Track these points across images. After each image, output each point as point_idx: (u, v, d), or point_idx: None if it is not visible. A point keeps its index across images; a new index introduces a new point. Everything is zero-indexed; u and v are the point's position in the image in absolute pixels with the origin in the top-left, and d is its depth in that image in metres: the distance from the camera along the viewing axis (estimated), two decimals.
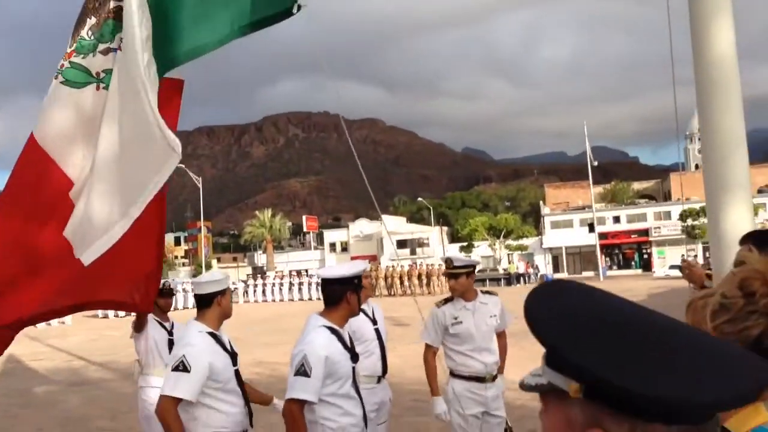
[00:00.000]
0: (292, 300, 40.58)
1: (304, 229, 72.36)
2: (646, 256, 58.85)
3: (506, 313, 4.65)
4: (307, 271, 49.36)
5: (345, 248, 68.42)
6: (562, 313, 0.74)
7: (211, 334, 3.48)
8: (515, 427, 4.88)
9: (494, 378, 4.44)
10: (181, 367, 3.26)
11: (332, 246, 70.33)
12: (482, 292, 4.61)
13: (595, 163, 50.81)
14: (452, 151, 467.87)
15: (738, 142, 3.30)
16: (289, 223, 71.76)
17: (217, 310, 3.52)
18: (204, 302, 3.54)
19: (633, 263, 59.42)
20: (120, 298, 3.81)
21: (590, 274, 55.04)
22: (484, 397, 4.38)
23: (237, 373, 3.51)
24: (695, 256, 48.25)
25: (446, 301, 4.56)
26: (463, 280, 4.45)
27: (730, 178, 3.28)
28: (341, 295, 3.23)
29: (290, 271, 48.73)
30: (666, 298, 26.17)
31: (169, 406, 3.24)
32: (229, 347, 3.55)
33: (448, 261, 4.51)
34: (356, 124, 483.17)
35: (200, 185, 55.53)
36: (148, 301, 3.86)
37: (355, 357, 3.28)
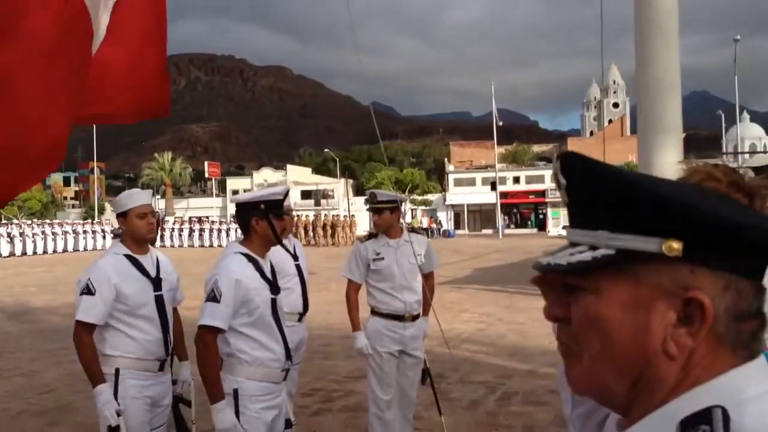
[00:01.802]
0: (192, 246, 39.50)
1: (206, 176, 70.13)
2: (541, 216, 61.45)
3: (433, 254, 4.60)
4: (207, 217, 48.14)
5: None
6: (628, 171, 0.69)
7: (129, 257, 3.34)
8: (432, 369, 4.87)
9: (414, 318, 4.38)
10: (86, 290, 3.20)
11: (234, 193, 68.63)
12: (409, 230, 4.50)
13: (500, 124, 52.02)
14: (359, 104, 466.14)
15: (674, 86, 3.28)
16: (190, 169, 69.18)
17: (126, 232, 3.39)
18: (119, 223, 3.42)
19: (529, 223, 61.93)
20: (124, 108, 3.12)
21: (489, 231, 56.93)
22: (402, 335, 4.32)
23: (158, 300, 3.35)
24: None
25: (370, 236, 4.44)
26: (386, 215, 4.34)
27: (664, 120, 3.27)
28: (248, 221, 3.09)
29: (190, 218, 47.31)
30: None
31: (79, 331, 3.19)
32: (153, 272, 3.38)
33: (372, 195, 4.40)
34: (263, 70, 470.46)
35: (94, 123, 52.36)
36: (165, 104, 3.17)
37: (275, 288, 3.11)
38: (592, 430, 0.94)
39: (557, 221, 57.68)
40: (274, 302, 3.09)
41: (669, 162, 3.14)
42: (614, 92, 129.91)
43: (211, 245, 41.19)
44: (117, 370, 3.20)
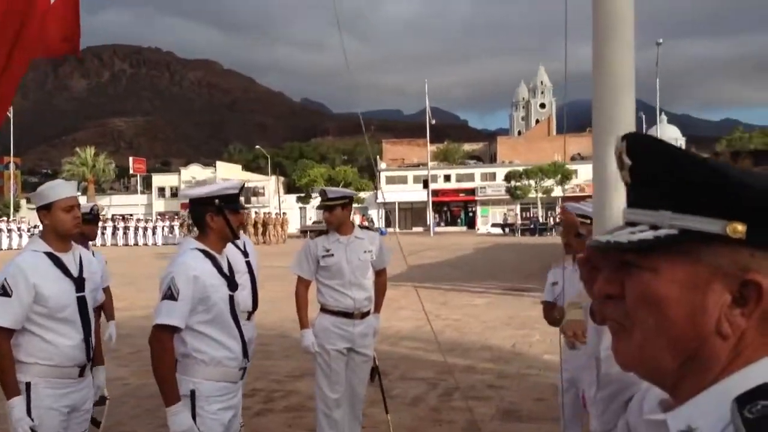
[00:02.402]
0: (116, 245, 38.14)
1: (131, 172, 67.88)
2: (471, 214, 62.58)
3: (385, 251, 4.57)
4: (132, 215, 46.64)
5: (175, 194, 65.32)
6: (695, 153, 0.70)
7: (49, 255, 3.07)
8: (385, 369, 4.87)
9: (363, 315, 4.36)
10: (1, 291, 2.93)
11: (161, 191, 66.78)
12: (361, 227, 4.49)
13: (433, 122, 52.64)
14: (291, 100, 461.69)
15: (629, 82, 3.38)
16: (114, 164, 66.72)
17: (46, 227, 3.13)
18: (41, 217, 3.16)
19: (459, 220, 62.96)
20: None
21: (420, 229, 57.52)
22: (351, 333, 4.29)
23: (80, 301, 3.12)
24: (515, 214, 52.20)
25: (320, 233, 4.39)
26: (338, 212, 4.32)
27: (618, 120, 3.35)
28: (202, 217, 2.99)
29: (113, 215, 45.71)
30: (488, 252, 28.11)
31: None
32: (76, 271, 3.14)
33: (322, 193, 4.37)
34: (190, 64, 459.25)
35: (11, 115, 49.80)
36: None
37: (233, 285, 3.02)
38: (614, 413, 0.96)
39: (486, 219, 58.92)
40: (231, 299, 3.00)
41: None
42: (542, 93, 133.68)
43: (136, 244, 39.95)
44: (28, 384, 2.98)
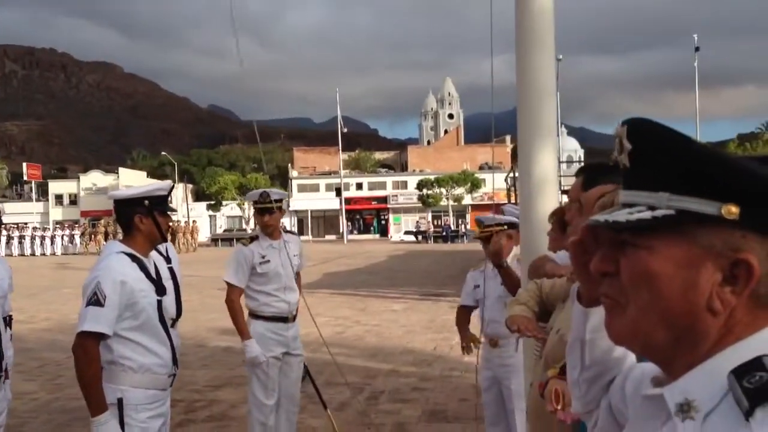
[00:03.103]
0: (11, 255, 35.79)
1: (25, 178, 63.87)
2: (383, 222, 63.09)
3: (303, 254, 4.59)
4: (26, 224, 43.98)
5: (74, 201, 62.12)
6: (692, 138, 0.73)
7: None
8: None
9: (294, 317, 4.35)
10: None
11: (58, 198, 63.30)
12: (284, 231, 4.44)
13: (345, 130, 52.74)
14: (197, 106, 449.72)
15: (550, 92, 3.53)
16: (6, 170, 62.61)
17: None
18: None
19: (372, 228, 63.32)
20: None
21: (333, 237, 57.43)
22: (286, 337, 4.26)
23: None
24: (427, 222, 53.05)
25: (251, 239, 4.28)
26: (277, 215, 4.28)
27: (541, 124, 3.50)
28: (130, 219, 2.89)
29: (6, 225, 42.92)
30: (403, 259, 28.42)
31: None
32: None
33: (264, 195, 4.26)
34: (88, 66, 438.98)
35: None
36: None
37: (161, 289, 2.92)
38: (596, 394, 1.00)
39: (398, 227, 59.54)
40: (160, 304, 2.89)
41: (547, 161, 3.36)
42: (449, 104, 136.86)
43: (33, 254, 37.67)
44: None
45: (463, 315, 4.30)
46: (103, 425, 2.65)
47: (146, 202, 2.90)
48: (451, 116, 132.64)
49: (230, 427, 5.43)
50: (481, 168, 63.08)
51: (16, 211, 57.43)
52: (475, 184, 53.96)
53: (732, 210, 0.68)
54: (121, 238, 3.01)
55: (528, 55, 3.41)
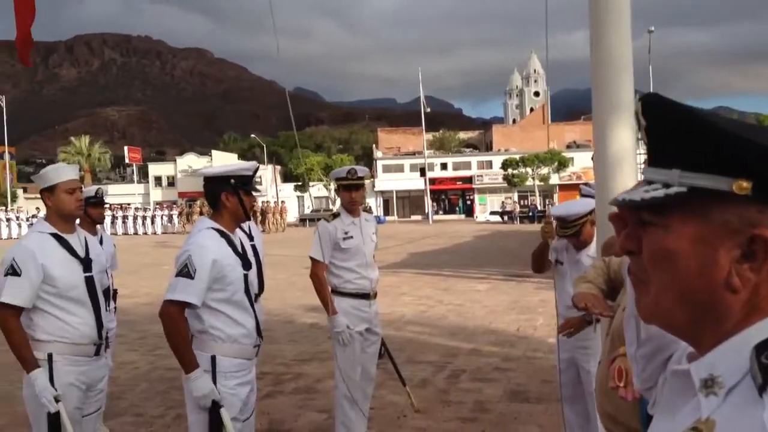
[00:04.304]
0: (116, 234, 38.06)
1: (126, 161, 67.53)
2: (469, 202, 62.59)
3: (378, 235, 4.65)
4: (129, 204, 46.52)
5: (172, 183, 65.14)
6: (705, 112, 0.72)
7: (55, 236, 3.17)
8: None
9: (376, 294, 4.43)
10: (11, 270, 3.02)
11: (158, 180, 66.57)
12: (363, 210, 4.53)
13: (428, 110, 52.54)
14: (283, 89, 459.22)
15: (627, 65, 3.42)
16: (110, 153, 66.41)
17: (50, 209, 3.22)
18: (43, 201, 3.24)
19: (457, 209, 62.98)
20: None
21: (418, 217, 57.56)
22: (369, 313, 4.35)
23: (89, 281, 3.20)
24: (513, 202, 52.25)
25: (333, 216, 4.40)
26: (362, 191, 4.39)
27: (618, 100, 3.39)
28: (217, 196, 3.04)
29: (111, 205, 45.57)
30: (488, 239, 28.18)
31: (4, 315, 3.01)
32: (82, 252, 3.22)
33: (352, 171, 4.36)
34: (182, 53, 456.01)
35: (3, 104, 49.48)
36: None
37: (247, 264, 3.08)
38: (654, 370, 1.00)
39: (484, 207, 58.91)
40: (246, 278, 3.06)
41: (624, 139, 3.28)
42: (535, 81, 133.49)
43: (135, 233, 39.86)
44: (50, 356, 3.06)
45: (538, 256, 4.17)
46: (196, 380, 2.83)
47: (232, 180, 3.04)
48: (537, 94, 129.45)
49: (315, 399, 5.63)
50: (568, 146, 61.33)
51: (119, 192, 61.02)
52: (562, 163, 52.48)
53: (743, 185, 0.67)
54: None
55: (602, 29, 3.32)
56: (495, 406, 5.30)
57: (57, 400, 2.98)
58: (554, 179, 54.16)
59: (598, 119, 3.41)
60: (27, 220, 39.74)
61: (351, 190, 4.32)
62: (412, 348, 7.45)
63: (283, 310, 9.88)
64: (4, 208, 42.52)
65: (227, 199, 3.02)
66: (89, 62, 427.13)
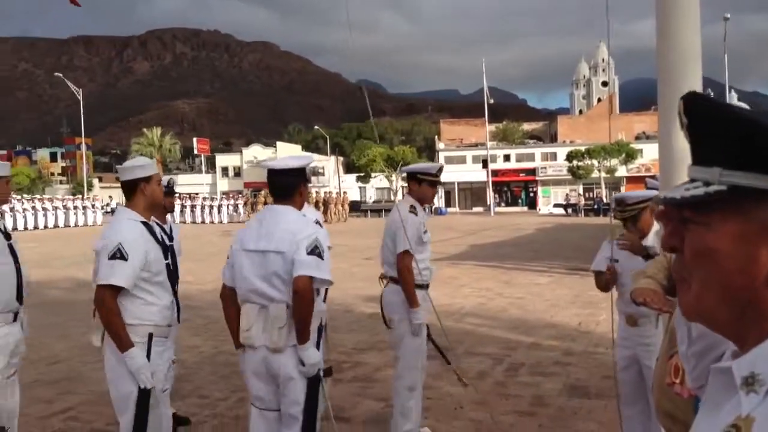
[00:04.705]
0: (184, 222, 39.33)
1: (195, 152, 69.54)
2: (532, 194, 61.62)
3: None
4: (197, 194, 47.89)
5: (238, 173, 66.75)
6: (746, 110, 0.72)
7: (143, 224, 3.38)
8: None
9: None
10: (118, 254, 3.19)
11: (224, 170, 68.32)
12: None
13: (491, 101, 51.90)
14: (347, 81, 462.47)
15: (695, 54, 3.30)
16: (180, 145, 68.52)
17: (142, 198, 3.39)
18: (128, 189, 3.40)
19: (520, 201, 62.12)
20: None
21: (480, 209, 57.07)
22: (429, 303, 4.43)
23: (167, 267, 3.42)
24: (578, 194, 51.13)
25: (412, 209, 4.40)
26: (435, 187, 4.51)
27: (685, 91, 3.27)
28: (297, 187, 3.20)
29: (180, 194, 47.06)
30: (552, 232, 27.71)
31: (106, 296, 3.18)
32: (161, 238, 3.45)
33: (440, 169, 4.54)
34: (249, 46, 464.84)
35: (80, 97, 51.70)
36: None
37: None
38: (704, 368, 0.98)
39: (547, 199, 57.91)
40: None
41: None
42: (603, 70, 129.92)
43: (203, 221, 41.04)
44: (150, 335, 3.25)
45: (599, 276, 4.03)
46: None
47: (306, 173, 3.28)
48: (605, 83, 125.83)
49: (374, 388, 5.68)
50: (637, 138, 59.47)
51: (188, 182, 62.96)
52: (630, 155, 50.93)
53: None
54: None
55: (669, 16, 3.21)
56: (554, 400, 5.23)
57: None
58: (622, 171, 52.67)
59: (664, 111, 3.31)
60: (102, 208, 41.59)
61: (434, 186, 4.46)
62: (471, 340, 7.42)
63: (344, 299, 9.99)
64: (80, 196, 44.54)
65: (303, 188, 3.22)
66: (161, 56, 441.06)
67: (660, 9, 3.35)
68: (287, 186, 3.20)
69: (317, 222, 4.50)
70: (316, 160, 64.72)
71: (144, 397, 3.17)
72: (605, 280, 3.92)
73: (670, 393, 1.92)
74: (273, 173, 3.21)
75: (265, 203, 39.35)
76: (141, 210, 3.38)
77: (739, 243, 0.70)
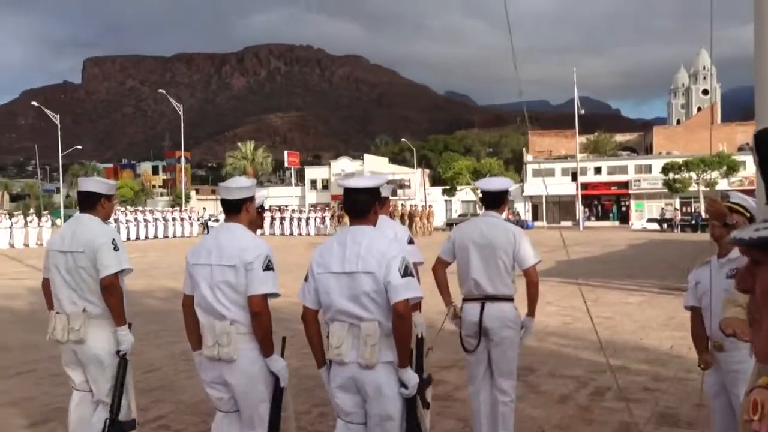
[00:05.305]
0: (273, 234, 40.51)
1: (285, 165, 71.64)
2: (624, 208, 59.44)
3: None
4: (287, 206, 49.24)
5: (326, 186, 68.12)
6: None
7: None
8: None
9: None
10: (270, 266, 3.40)
11: (313, 183, 69.91)
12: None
13: (582, 112, 50.62)
14: (435, 93, 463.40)
15: None
16: (271, 158, 70.77)
17: (246, 215, 3.59)
18: (233, 208, 3.58)
19: (611, 215, 60.07)
20: None
21: (569, 223, 55.59)
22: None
23: None
24: (674, 209, 48.89)
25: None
26: None
27: None
28: (373, 204, 3.27)
29: (270, 206, 48.53)
30: (644, 249, 26.62)
31: (267, 305, 3.40)
32: None
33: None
34: (339, 60, 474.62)
35: (181, 113, 54.41)
36: None
37: None
38: None
39: (641, 213, 55.67)
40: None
41: None
42: (704, 78, 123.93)
43: (291, 233, 42.10)
44: (284, 339, 3.55)
45: (696, 320, 3.80)
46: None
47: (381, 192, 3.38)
48: (705, 92, 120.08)
49: (453, 407, 5.67)
50: (740, 149, 56.25)
51: (278, 194, 64.91)
52: (732, 168, 48.19)
53: None
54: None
55: (766, 24, 3.07)
56: (642, 428, 5.05)
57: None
58: (723, 185, 49.97)
59: (760, 125, 3.17)
60: (198, 219, 43.43)
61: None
62: (555, 361, 7.26)
63: (426, 315, 9.96)
64: (179, 208, 46.75)
65: (379, 207, 3.35)
66: (257, 71, 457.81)
67: (758, 16, 3.22)
68: (362, 204, 3.26)
69: (410, 240, 4.55)
70: (403, 172, 65.15)
71: (279, 394, 3.47)
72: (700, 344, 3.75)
73: (747, 429, 1.84)
74: (348, 192, 3.29)
75: None
76: (245, 224, 3.60)
77: None
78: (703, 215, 43.10)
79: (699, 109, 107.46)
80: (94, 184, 4.13)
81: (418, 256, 4.28)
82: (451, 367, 7.05)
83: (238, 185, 3.61)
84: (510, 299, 4.36)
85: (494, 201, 4.48)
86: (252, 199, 3.61)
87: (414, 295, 3.09)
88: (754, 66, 3.31)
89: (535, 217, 59.66)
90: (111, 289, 3.87)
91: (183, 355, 7.42)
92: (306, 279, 3.31)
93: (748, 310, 0.76)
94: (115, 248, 3.92)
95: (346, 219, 40.09)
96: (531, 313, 4.41)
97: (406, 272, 3.08)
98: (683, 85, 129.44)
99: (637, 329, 9.12)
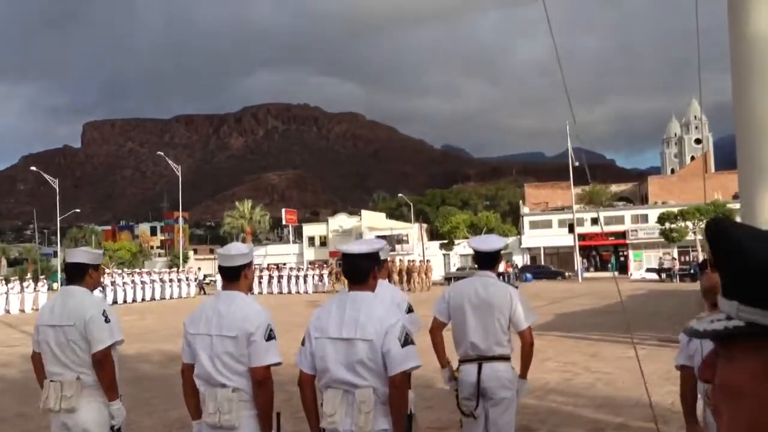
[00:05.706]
0: (271, 293, 40.26)
1: (283, 223, 71.82)
2: (622, 258, 59.40)
3: None
4: (285, 264, 49.07)
5: (324, 242, 68.12)
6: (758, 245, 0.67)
7: None
8: None
9: None
10: (273, 335, 3.40)
11: (311, 240, 69.93)
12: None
13: (576, 164, 51.13)
14: (431, 148, 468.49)
15: None
16: (269, 216, 71.01)
17: (245, 282, 3.60)
18: (232, 275, 3.57)
19: (609, 265, 59.96)
20: None
21: (567, 274, 55.38)
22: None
23: None
24: (672, 258, 48.85)
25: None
26: None
27: (763, 161, 3.18)
28: (371, 270, 3.27)
29: (268, 265, 48.40)
30: (644, 299, 26.45)
31: (270, 375, 3.39)
32: None
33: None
34: (336, 117, 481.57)
35: (179, 173, 54.88)
36: None
37: None
38: None
39: (639, 264, 55.61)
40: None
41: None
42: (696, 127, 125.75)
43: (289, 291, 41.78)
44: (278, 414, 3.48)
45: (686, 380, 3.65)
46: None
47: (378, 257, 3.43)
48: (698, 141, 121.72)
49: None
50: (735, 197, 56.63)
51: (276, 252, 64.85)
52: (728, 216, 48.47)
53: None
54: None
55: (744, 84, 3.16)
56: None
57: None
58: None
59: (743, 180, 3.22)
60: (195, 280, 43.09)
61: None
62: (555, 419, 7.16)
63: (423, 374, 9.83)
64: (176, 268, 46.52)
65: (377, 272, 3.34)
66: (255, 131, 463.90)
67: (735, 71, 3.31)
68: (362, 269, 3.27)
69: (410, 309, 4.53)
70: (400, 227, 65.30)
71: None
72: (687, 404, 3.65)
73: None
74: (347, 257, 3.31)
75: None
76: (244, 291, 3.60)
77: (759, 381, 0.66)
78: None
79: (692, 158, 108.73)
80: (81, 254, 4.17)
81: (417, 324, 4.27)
82: (449, 428, 6.94)
83: (238, 252, 3.60)
84: (507, 359, 4.33)
85: (488, 260, 4.49)
86: (250, 264, 3.63)
87: (414, 365, 3.09)
88: (734, 114, 3.39)
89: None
90: (104, 362, 3.86)
91: (178, 422, 7.30)
92: (303, 343, 3.28)
93: (712, 401, 0.78)
94: (106, 320, 3.91)
95: (344, 277, 40.38)
96: (524, 374, 4.38)
97: (406, 341, 3.07)
98: (675, 134, 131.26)
99: (639, 385, 8.99)
